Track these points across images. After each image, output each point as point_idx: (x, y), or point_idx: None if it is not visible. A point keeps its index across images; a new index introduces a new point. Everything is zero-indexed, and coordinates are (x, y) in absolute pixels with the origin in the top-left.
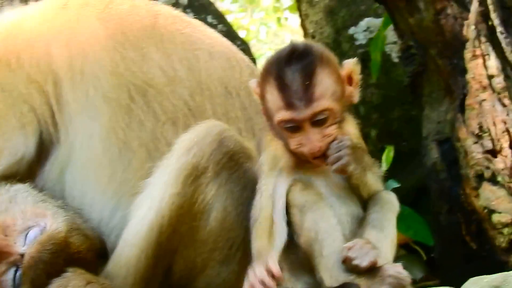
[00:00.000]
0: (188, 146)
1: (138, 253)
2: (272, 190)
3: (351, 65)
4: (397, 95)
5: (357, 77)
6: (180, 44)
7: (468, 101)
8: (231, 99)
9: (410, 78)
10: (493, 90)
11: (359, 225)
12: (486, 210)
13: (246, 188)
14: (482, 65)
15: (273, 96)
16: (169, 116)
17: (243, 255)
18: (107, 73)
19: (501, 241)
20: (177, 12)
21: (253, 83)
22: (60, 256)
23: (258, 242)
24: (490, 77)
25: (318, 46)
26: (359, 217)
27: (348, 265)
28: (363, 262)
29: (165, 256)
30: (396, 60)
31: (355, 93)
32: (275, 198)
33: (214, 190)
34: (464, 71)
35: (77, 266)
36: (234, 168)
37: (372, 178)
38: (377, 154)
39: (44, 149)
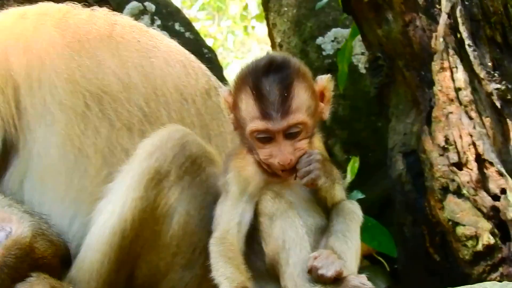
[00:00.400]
0: (150, 150)
1: (101, 257)
2: (240, 217)
3: (324, 81)
4: (363, 106)
5: (330, 94)
6: (136, 52)
7: (435, 113)
8: (187, 105)
9: (377, 89)
10: (460, 103)
11: (323, 236)
12: (450, 223)
13: (209, 192)
14: (449, 77)
15: (249, 106)
16: (124, 123)
17: (206, 259)
18: (63, 81)
19: (465, 253)
20: (135, 22)
21: (225, 92)
22: (25, 261)
23: (229, 270)
24: (458, 89)
25: (296, 60)
26: (323, 227)
27: (313, 274)
28: (329, 272)
29: (128, 261)
30: (363, 71)
31: (326, 110)
32: (242, 226)
33: (177, 194)
34: (431, 83)
35: (42, 271)
36: (197, 172)
37: (339, 190)
38: (342, 165)
39: (6, 152)
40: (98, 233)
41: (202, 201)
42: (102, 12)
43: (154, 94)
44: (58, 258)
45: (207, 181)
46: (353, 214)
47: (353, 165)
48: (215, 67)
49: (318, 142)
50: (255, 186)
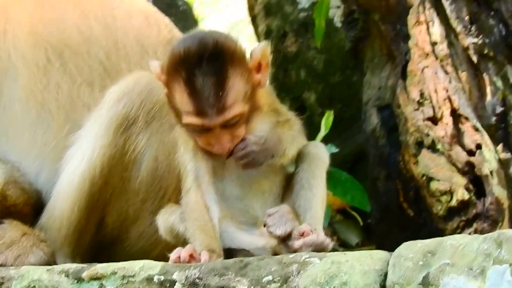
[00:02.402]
0: (117, 97)
1: (70, 205)
2: (194, 172)
3: (259, 53)
4: (338, 60)
5: (267, 61)
6: (98, 3)
7: (410, 67)
8: (147, 57)
9: (352, 43)
10: (436, 57)
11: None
12: (424, 178)
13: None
14: (425, 31)
15: (182, 98)
16: (84, 78)
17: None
18: (26, 33)
19: (439, 209)
20: None
21: (156, 66)
22: None
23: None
24: (434, 44)
25: (229, 42)
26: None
27: (267, 230)
28: (277, 230)
29: (97, 208)
30: (338, 24)
31: (263, 79)
32: (200, 179)
33: (145, 140)
34: (407, 37)
35: (13, 219)
36: (165, 118)
37: (296, 146)
38: (316, 119)
39: None
40: (68, 181)
41: (171, 146)
42: None
43: (115, 48)
44: (30, 206)
45: (175, 126)
46: (317, 160)
47: (328, 119)
48: (190, 20)
49: (266, 99)
50: (194, 146)
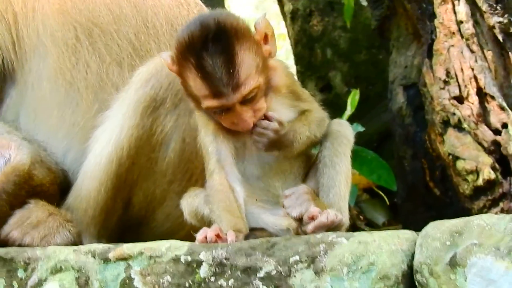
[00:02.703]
0: (146, 78)
1: (97, 185)
2: (217, 154)
3: (262, 24)
4: (364, 39)
5: (271, 30)
6: None
7: (436, 46)
8: None
9: (378, 22)
10: (462, 36)
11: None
12: (450, 157)
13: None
14: (451, 10)
15: (197, 84)
16: (114, 57)
17: (202, 187)
18: (55, 11)
19: (465, 188)
20: None
21: (167, 59)
22: (23, 188)
23: (222, 213)
24: (459, 22)
25: (230, 19)
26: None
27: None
28: (293, 212)
29: (124, 189)
30: (364, 3)
31: (273, 48)
32: (223, 161)
33: (173, 122)
34: (432, 16)
35: (40, 199)
36: None
37: (309, 142)
38: (342, 98)
39: (3, 79)
40: (95, 161)
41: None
42: None
43: (145, 26)
44: (57, 186)
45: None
46: (341, 138)
47: (353, 98)
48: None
49: (282, 77)
50: (214, 128)
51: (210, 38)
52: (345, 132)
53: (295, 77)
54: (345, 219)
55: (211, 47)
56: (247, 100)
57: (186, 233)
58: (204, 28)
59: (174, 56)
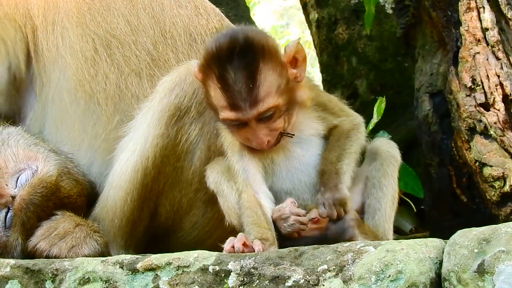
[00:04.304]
0: (170, 87)
1: (123, 195)
2: (244, 173)
3: (293, 48)
4: (390, 47)
5: (303, 55)
6: None
7: (462, 53)
8: (196, 46)
9: (403, 30)
10: (487, 43)
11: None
12: (477, 163)
13: (218, 133)
14: (476, 17)
15: (216, 94)
16: (132, 68)
17: None
18: (74, 24)
19: (492, 194)
20: None
21: (195, 67)
22: (51, 199)
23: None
24: (485, 30)
25: (259, 36)
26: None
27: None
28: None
29: (150, 198)
30: (389, 11)
31: (300, 74)
32: (250, 179)
33: (198, 130)
34: (458, 23)
35: (67, 210)
36: None
37: (355, 153)
38: (368, 106)
39: (17, 89)
40: (121, 171)
41: None
42: None
43: (163, 37)
44: (84, 197)
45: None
46: (390, 159)
47: (379, 105)
48: (241, 8)
49: (309, 91)
50: (240, 148)
51: (236, 52)
52: (394, 153)
53: (320, 87)
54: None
55: (236, 61)
56: (264, 118)
57: (214, 241)
58: (232, 41)
59: (201, 64)
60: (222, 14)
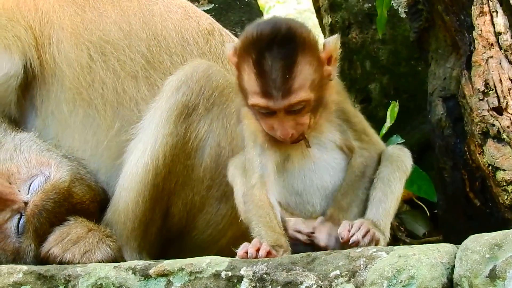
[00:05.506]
0: (176, 85)
1: (135, 197)
2: (261, 170)
3: (332, 45)
4: (403, 51)
5: (337, 55)
6: (136, 1)
7: (475, 58)
8: (189, 46)
9: (416, 34)
10: (500, 47)
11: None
12: (490, 167)
13: (239, 122)
14: (489, 22)
15: (250, 79)
16: (128, 71)
17: None
18: (68, 35)
19: (505, 198)
20: None
21: (230, 49)
22: (63, 205)
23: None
24: (498, 34)
25: (302, 29)
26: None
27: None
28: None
29: (162, 198)
30: (403, 15)
31: (333, 72)
32: (265, 177)
33: (207, 127)
34: (471, 27)
35: (80, 216)
36: (225, 103)
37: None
38: (381, 110)
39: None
40: (131, 173)
41: (233, 131)
42: None
43: (155, 40)
44: (96, 203)
45: (236, 111)
46: (400, 163)
47: (393, 109)
48: (254, 12)
49: (335, 94)
50: (263, 139)
51: (277, 41)
52: (404, 158)
53: (347, 95)
54: (387, 236)
55: (275, 49)
56: (293, 111)
57: (228, 240)
58: (274, 30)
59: (237, 47)
60: (212, 18)
